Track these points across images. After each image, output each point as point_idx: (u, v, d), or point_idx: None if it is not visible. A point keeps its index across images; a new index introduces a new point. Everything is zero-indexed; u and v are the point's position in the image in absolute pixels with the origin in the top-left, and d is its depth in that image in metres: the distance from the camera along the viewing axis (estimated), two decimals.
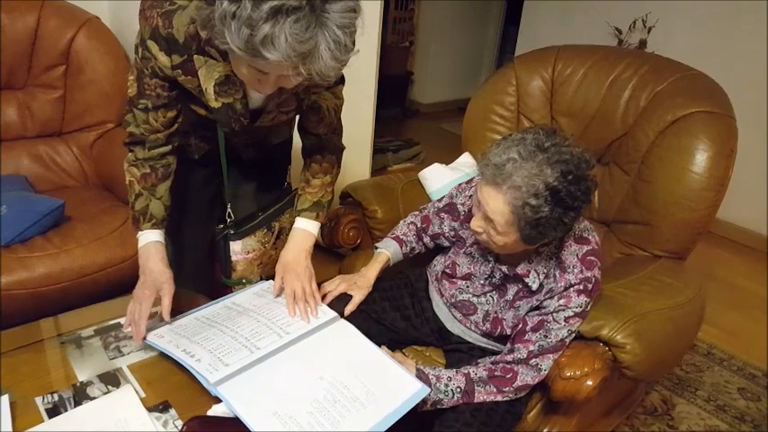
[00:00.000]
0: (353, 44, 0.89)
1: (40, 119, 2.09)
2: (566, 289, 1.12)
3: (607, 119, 1.68)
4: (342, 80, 1.27)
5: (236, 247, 1.40)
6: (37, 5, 2.00)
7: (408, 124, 5.15)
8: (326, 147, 1.32)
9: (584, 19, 3.71)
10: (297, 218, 1.31)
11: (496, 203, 1.03)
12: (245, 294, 1.30)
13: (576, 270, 1.12)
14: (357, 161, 2.64)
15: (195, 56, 1.04)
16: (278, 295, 1.26)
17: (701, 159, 1.44)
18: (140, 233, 1.21)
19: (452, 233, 1.36)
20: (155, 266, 1.18)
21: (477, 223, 1.11)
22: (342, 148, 1.37)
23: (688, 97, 1.53)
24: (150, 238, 1.21)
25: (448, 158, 1.92)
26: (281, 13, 0.80)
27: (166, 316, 1.15)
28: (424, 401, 1.06)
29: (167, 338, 1.13)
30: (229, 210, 1.39)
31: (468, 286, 1.29)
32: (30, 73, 2.05)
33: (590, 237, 1.15)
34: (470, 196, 1.31)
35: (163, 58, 1.05)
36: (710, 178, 1.43)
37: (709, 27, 3.14)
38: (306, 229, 1.30)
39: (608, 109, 1.68)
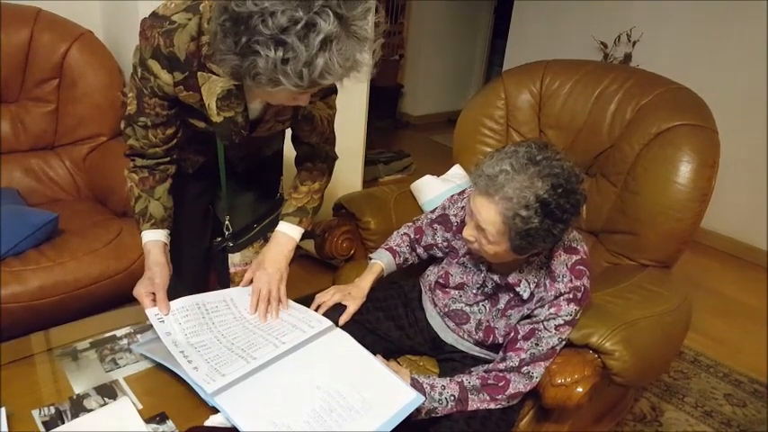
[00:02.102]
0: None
1: (33, 132, 2.09)
2: (556, 298, 1.14)
3: (594, 131, 1.72)
4: (335, 90, 1.30)
5: (234, 260, 1.42)
6: (30, 19, 2.01)
7: (399, 136, 5.19)
8: (318, 155, 1.35)
9: (571, 33, 3.78)
10: (280, 221, 1.34)
11: (488, 213, 1.06)
12: (243, 293, 1.30)
13: (565, 279, 1.14)
14: (349, 172, 2.67)
15: (199, 73, 1.06)
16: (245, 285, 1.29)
17: (685, 171, 1.48)
18: (141, 234, 1.25)
19: (445, 244, 1.39)
20: (150, 263, 1.22)
21: (468, 232, 1.14)
22: (334, 158, 1.40)
23: (672, 110, 1.57)
24: (149, 237, 1.24)
25: (438, 170, 1.95)
26: (327, 42, 0.84)
27: (163, 309, 1.17)
28: (418, 410, 1.08)
29: (164, 330, 1.14)
30: (227, 222, 1.40)
31: (461, 296, 1.32)
32: (23, 87, 2.06)
33: (579, 247, 1.18)
34: (463, 207, 1.34)
35: (165, 76, 1.07)
36: (694, 189, 1.47)
37: (692, 41, 3.22)
38: (286, 233, 1.32)
39: (595, 122, 1.72)
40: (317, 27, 0.82)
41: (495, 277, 1.23)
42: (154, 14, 1.04)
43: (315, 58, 0.84)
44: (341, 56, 0.85)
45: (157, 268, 1.21)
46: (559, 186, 1.02)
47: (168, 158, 1.24)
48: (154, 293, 1.18)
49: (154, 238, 1.24)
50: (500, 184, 1.03)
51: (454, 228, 1.36)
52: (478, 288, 1.28)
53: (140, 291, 1.19)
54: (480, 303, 1.29)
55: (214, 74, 1.07)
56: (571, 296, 1.14)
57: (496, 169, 1.05)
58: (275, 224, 1.38)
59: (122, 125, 1.28)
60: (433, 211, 1.45)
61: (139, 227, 1.25)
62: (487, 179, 1.05)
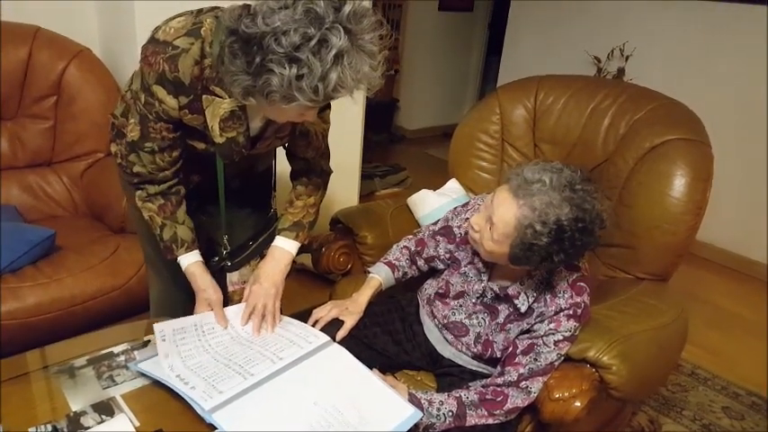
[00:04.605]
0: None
1: (31, 149, 2.10)
2: (556, 313, 1.15)
3: (588, 146, 1.74)
4: (329, 104, 1.31)
5: (233, 278, 1.42)
6: (29, 37, 2.02)
7: (395, 150, 5.21)
8: (313, 170, 1.37)
9: (564, 48, 3.83)
10: (277, 236, 1.35)
11: (506, 212, 1.08)
12: (240, 311, 1.30)
13: (566, 295, 1.15)
14: (346, 186, 2.68)
15: (204, 96, 1.08)
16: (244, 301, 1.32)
17: (679, 184, 1.49)
18: (179, 259, 1.28)
19: (448, 255, 1.39)
20: (201, 285, 1.27)
21: (476, 220, 1.16)
22: (329, 172, 1.41)
23: (665, 125, 1.59)
24: (189, 261, 1.28)
25: (434, 183, 1.96)
26: (340, 57, 0.86)
27: (222, 322, 1.25)
28: (416, 426, 1.07)
29: (164, 352, 1.15)
30: (225, 241, 1.41)
31: (460, 305, 1.32)
32: (21, 104, 2.07)
33: (580, 263, 1.20)
34: (467, 219, 1.35)
35: (171, 101, 1.07)
36: (689, 203, 1.49)
37: (685, 56, 3.26)
38: (283, 247, 1.34)
39: (589, 137, 1.74)
40: (329, 43, 0.85)
41: (495, 287, 1.24)
42: (154, 40, 1.04)
43: (329, 72, 0.86)
44: (352, 69, 0.88)
45: (211, 289, 1.26)
46: (582, 221, 1.04)
47: (177, 179, 1.25)
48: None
49: (194, 260, 1.28)
50: (531, 192, 1.05)
51: (457, 239, 1.36)
52: (478, 297, 1.29)
53: (201, 311, 1.26)
54: (480, 315, 1.29)
55: (218, 96, 1.08)
56: (571, 312, 1.14)
57: (535, 177, 1.07)
58: (271, 240, 1.39)
59: (121, 151, 1.28)
60: (435, 224, 1.45)
61: (173, 254, 1.27)
62: (523, 181, 1.07)
